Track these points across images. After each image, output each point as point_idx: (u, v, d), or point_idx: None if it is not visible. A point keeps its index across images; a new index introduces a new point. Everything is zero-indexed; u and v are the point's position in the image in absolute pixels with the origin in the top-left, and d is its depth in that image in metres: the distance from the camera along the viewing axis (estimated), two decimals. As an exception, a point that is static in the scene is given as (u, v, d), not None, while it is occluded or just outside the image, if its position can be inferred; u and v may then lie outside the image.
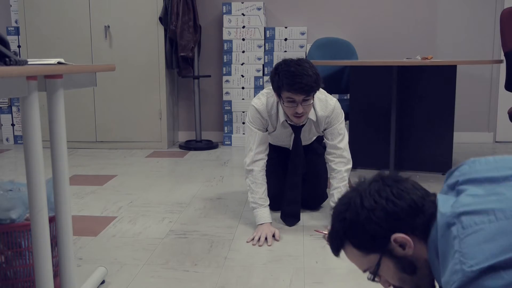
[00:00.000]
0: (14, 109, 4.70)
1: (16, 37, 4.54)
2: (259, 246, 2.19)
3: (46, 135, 1.61)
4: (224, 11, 4.47)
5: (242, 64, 4.50)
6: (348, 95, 3.69)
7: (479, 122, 4.68)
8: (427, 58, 3.28)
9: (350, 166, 2.42)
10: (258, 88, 4.49)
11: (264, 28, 4.46)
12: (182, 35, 4.27)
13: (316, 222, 2.48)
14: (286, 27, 4.46)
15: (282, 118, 2.34)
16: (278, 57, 4.45)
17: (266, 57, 4.48)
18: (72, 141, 4.40)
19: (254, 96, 2.87)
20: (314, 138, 2.62)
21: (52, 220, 1.63)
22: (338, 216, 1.13)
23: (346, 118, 2.66)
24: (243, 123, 4.54)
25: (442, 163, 3.42)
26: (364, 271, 1.15)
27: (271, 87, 2.29)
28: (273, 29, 4.47)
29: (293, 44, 4.46)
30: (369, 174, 1.40)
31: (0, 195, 1.68)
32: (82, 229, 2.41)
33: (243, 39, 4.47)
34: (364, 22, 4.61)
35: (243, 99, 4.52)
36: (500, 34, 2.98)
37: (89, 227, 2.44)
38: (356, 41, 4.43)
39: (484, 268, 0.88)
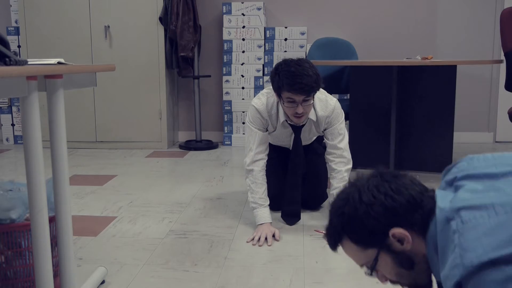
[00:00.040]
0: (14, 109, 4.70)
1: (16, 37, 4.54)
2: (259, 246, 2.19)
3: (46, 135, 1.61)
4: (224, 11, 4.47)
5: (242, 64, 4.50)
6: (348, 95, 3.69)
7: (479, 122, 4.68)
8: (427, 58, 3.28)
9: (350, 166, 2.42)
10: (258, 88, 4.48)
11: (264, 28, 4.46)
12: (182, 35, 4.27)
13: (316, 222, 2.48)
14: (286, 27, 4.46)
15: (282, 118, 2.34)
16: (278, 57, 4.45)
17: (266, 57, 4.48)
18: (72, 141, 4.40)
19: (254, 96, 2.87)
20: (314, 138, 2.62)
21: (52, 220, 1.63)
22: (336, 211, 1.13)
23: (346, 118, 2.66)
24: (243, 123, 4.54)
25: (442, 163, 3.42)
26: (362, 265, 1.15)
27: (271, 87, 2.29)
28: (273, 29, 4.47)
29: (293, 44, 4.46)
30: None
31: (0, 195, 1.68)
32: (82, 229, 2.41)
33: (243, 39, 4.47)
34: (364, 22, 4.61)
35: (243, 99, 4.52)
36: (500, 34, 2.98)
37: (89, 227, 2.44)
38: (356, 41, 4.43)
39: (485, 262, 0.88)
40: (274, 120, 2.38)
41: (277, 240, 2.24)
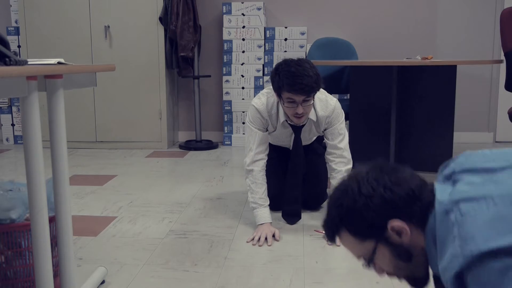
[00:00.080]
0: (14, 109, 4.70)
1: (16, 37, 4.54)
2: (259, 246, 2.19)
3: (46, 135, 1.61)
4: (224, 11, 4.47)
5: (242, 64, 4.50)
6: (348, 95, 3.69)
7: (479, 122, 4.68)
8: (427, 58, 3.28)
9: (350, 166, 2.42)
10: (258, 88, 4.48)
11: (264, 28, 4.46)
12: (182, 35, 4.27)
13: (316, 222, 2.48)
14: (286, 27, 4.46)
15: (282, 118, 2.34)
16: (278, 57, 4.45)
17: (266, 57, 4.48)
18: (72, 141, 4.40)
19: (254, 96, 2.87)
20: (314, 138, 2.62)
21: (52, 220, 1.63)
22: (334, 202, 1.13)
23: (346, 118, 2.66)
24: (243, 123, 4.54)
25: (442, 163, 3.41)
26: (359, 257, 1.14)
27: (271, 87, 2.29)
28: (273, 29, 4.47)
29: (293, 44, 4.46)
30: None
31: (0, 195, 1.68)
32: (82, 229, 2.41)
33: (243, 39, 4.47)
34: (364, 22, 4.61)
35: (243, 99, 4.52)
36: (500, 34, 2.98)
37: (89, 227, 2.44)
38: (356, 41, 4.43)
39: (485, 252, 0.88)
40: (274, 120, 2.38)
41: (277, 240, 2.24)
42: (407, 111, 3.43)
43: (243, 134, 4.51)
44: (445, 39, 4.58)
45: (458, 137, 4.56)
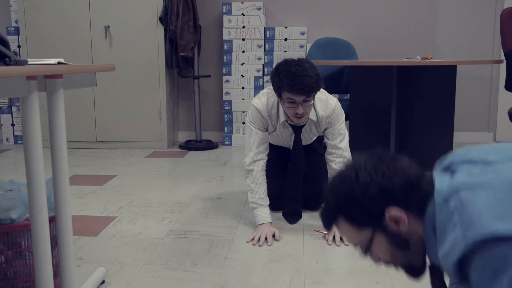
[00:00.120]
0: (14, 109, 4.70)
1: (16, 37, 4.54)
2: (259, 246, 2.19)
3: (46, 135, 1.61)
4: (224, 11, 4.47)
5: (242, 64, 4.50)
6: (348, 95, 3.69)
7: (479, 122, 4.68)
8: (427, 58, 3.28)
9: (350, 166, 2.41)
10: (258, 88, 4.48)
11: (264, 28, 4.46)
12: (182, 35, 4.27)
13: (316, 222, 2.48)
14: (286, 27, 4.46)
15: (282, 118, 2.34)
16: (278, 57, 4.45)
17: (266, 57, 4.48)
18: (72, 141, 4.40)
19: (254, 96, 2.87)
20: (315, 138, 2.62)
21: (52, 220, 1.63)
22: (332, 190, 1.12)
23: (346, 118, 2.66)
24: (243, 123, 4.54)
25: (442, 163, 3.42)
26: (356, 245, 1.14)
27: (271, 86, 2.29)
28: (273, 29, 4.47)
29: (293, 44, 4.46)
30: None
31: (0, 195, 1.68)
32: (82, 229, 2.41)
33: (243, 39, 4.47)
34: (364, 22, 4.61)
35: (243, 99, 4.52)
36: (500, 34, 2.98)
37: (89, 227, 2.44)
38: (356, 41, 4.43)
39: (487, 237, 0.88)
40: (274, 120, 2.38)
41: (277, 240, 2.24)
42: (407, 111, 3.43)
43: (243, 134, 4.51)
44: (445, 39, 4.58)
45: (458, 137, 4.56)
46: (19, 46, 4.51)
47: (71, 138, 4.38)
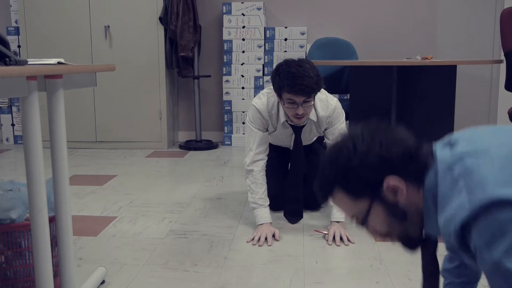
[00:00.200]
0: (14, 109, 4.70)
1: (16, 37, 4.54)
2: (259, 246, 2.19)
3: (46, 135, 1.61)
4: (224, 11, 4.47)
5: (242, 64, 4.50)
6: (348, 95, 3.69)
7: (479, 122, 4.68)
8: (427, 58, 3.28)
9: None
10: (258, 88, 4.48)
11: (264, 28, 4.46)
12: (182, 35, 4.27)
13: (316, 222, 2.48)
14: (286, 27, 4.46)
15: (282, 118, 2.34)
16: (278, 57, 4.45)
17: (266, 57, 4.48)
18: (72, 141, 4.40)
19: (254, 96, 2.87)
20: (315, 138, 2.62)
21: (52, 220, 1.63)
22: (329, 161, 1.09)
23: (346, 118, 2.66)
24: (243, 123, 4.54)
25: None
26: (352, 217, 1.12)
27: (271, 86, 2.29)
28: (273, 29, 4.47)
29: (293, 44, 4.46)
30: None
31: (0, 195, 1.68)
32: (82, 229, 2.41)
33: (243, 39, 4.47)
34: (364, 22, 4.61)
35: (243, 99, 4.52)
36: (500, 34, 2.98)
37: (89, 227, 2.44)
38: (356, 41, 4.43)
39: (494, 200, 0.88)
40: (274, 120, 2.38)
41: (277, 240, 2.24)
42: (407, 111, 3.43)
43: (243, 134, 4.51)
44: (445, 39, 4.58)
45: (458, 137, 4.55)
46: (19, 46, 4.51)
47: (71, 138, 4.38)
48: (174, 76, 4.67)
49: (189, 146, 4.45)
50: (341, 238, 2.22)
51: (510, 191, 0.89)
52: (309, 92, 2.15)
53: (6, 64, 1.24)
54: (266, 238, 2.22)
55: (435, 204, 1.01)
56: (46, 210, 1.42)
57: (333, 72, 3.81)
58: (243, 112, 4.52)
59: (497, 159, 0.94)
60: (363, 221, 1.10)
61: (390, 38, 4.60)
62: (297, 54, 4.41)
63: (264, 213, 2.33)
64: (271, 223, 2.33)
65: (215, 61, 4.75)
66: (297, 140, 2.42)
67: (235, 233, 2.34)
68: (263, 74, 4.50)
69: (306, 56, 4.17)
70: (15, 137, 4.73)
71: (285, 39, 4.46)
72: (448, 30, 4.57)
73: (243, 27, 4.46)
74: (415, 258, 2.02)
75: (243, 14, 4.45)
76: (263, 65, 4.49)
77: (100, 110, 4.42)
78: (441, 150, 1.03)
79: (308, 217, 2.55)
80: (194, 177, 3.43)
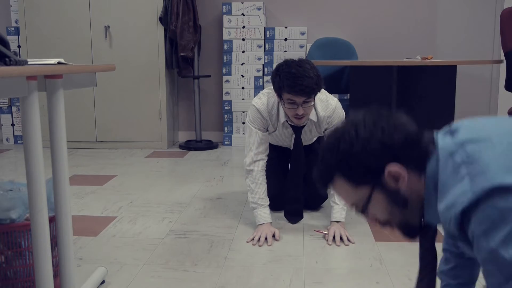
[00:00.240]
0: (14, 109, 4.70)
1: (16, 37, 4.54)
2: (259, 246, 2.19)
3: (46, 135, 1.61)
4: (224, 11, 4.47)
5: (242, 64, 4.50)
6: (348, 95, 3.69)
7: (479, 122, 4.68)
8: (427, 58, 3.28)
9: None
10: (258, 88, 4.48)
11: (264, 28, 4.46)
12: (182, 35, 4.27)
13: (316, 222, 2.48)
14: (286, 27, 4.46)
15: (282, 118, 2.34)
16: (278, 57, 4.45)
17: (266, 57, 4.48)
18: (72, 141, 4.40)
19: (254, 96, 2.87)
20: (315, 138, 2.62)
21: (52, 220, 1.63)
22: (330, 147, 1.08)
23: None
24: (243, 123, 4.54)
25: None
26: (352, 205, 1.11)
27: (271, 86, 2.29)
28: (273, 29, 4.47)
29: (293, 44, 4.46)
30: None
31: (0, 195, 1.68)
32: (82, 229, 2.41)
33: (243, 39, 4.47)
34: (364, 22, 4.61)
35: (243, 99, 4.52)
36: (500, 34, 2.99)
37: (89, 227, 2.44)
38: (356, 41, 4.43)
39: (496, 187, 0.88)
40: (274, 120, 2.38)
41: (277, 240, 2.24)
42: (407, 111, 3.42)
43: (243, 134, 4.51)
44: (445, 39, 4.58)
45: (458, 137, 4.55)
46: (19, 46, 4.51)
47: (71, 138, 4.38)
48: (174, 76, 4.67)
49: (189, 146, 4.45)
50: (341, 238, 2.22)
51: (510, 177, 0.89)
52: (309, 93, 2.14)
53: (6, 64, 1.24)
54: (266, 238, 2.22)
55: (436, 191, 1.01)
56: (46, 210, 1.42)
57: (333, 72, 3.81)
58: (243, 112, 4.52)
59: (499, 146, 0.93)
60: (363, 209, 1.09)
61: (390, 38, 4.60)
62: (297, 54, 4.41)
63: (264, 213, 2.33)
64: (271, 223, 2.33)
65: (215, 61, 4.75)
66: (297, 140, 2.42)
67: (235, 233, 2.34)
68: (263, 74, 4.50)
69: (306, 56, 4.17)
70: (15, 137, 4.73)
71: (285, 39, 4.46)
72: (448, 30, 4.57)
73: (243, 27, 4.46)
74: (415, 258, 2.02)
75: (243, 14, 4.45)
76: (263, 65, 4.49)
77: (100, 110, 4.42)
78: (442, 137, 1.03)
79: (308, 217, 2.55)
80: (194, 177, 3.43)
